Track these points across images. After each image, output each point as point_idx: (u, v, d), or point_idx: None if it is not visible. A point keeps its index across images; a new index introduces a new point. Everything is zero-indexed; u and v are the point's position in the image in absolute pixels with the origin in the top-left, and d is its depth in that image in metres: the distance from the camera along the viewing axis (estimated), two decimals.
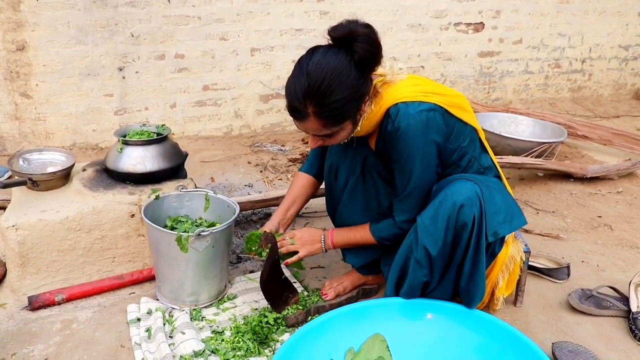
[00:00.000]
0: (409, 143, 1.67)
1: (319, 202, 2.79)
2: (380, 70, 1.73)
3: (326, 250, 1.97)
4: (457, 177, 1.73)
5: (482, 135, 1.90)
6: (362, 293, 2.13)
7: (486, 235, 1.68)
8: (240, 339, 1.84)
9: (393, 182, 1.82)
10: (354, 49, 1.54)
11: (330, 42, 1.59)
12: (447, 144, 1.75)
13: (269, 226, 1.97)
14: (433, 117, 1.67)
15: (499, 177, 1.91)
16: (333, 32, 1.56)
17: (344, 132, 1.67)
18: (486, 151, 1.91)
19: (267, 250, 1.89)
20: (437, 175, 1.77)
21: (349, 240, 1.95)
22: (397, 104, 1.66)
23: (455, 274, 1.75)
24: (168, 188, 2.21)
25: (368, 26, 1.56)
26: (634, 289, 2.08)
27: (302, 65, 1.58)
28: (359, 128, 1.71)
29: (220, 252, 2.01)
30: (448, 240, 1.67)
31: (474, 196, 1.64)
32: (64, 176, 2.26)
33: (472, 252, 1.68)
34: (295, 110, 1.59)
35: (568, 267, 2.31)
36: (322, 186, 2.10)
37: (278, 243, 1.93)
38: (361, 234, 1.91)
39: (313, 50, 1.60)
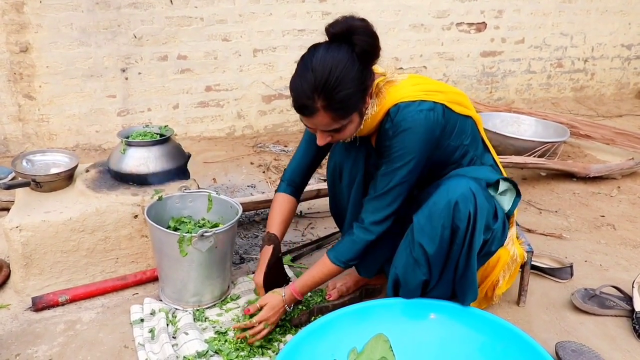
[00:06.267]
0: (405, 140, 1.67)
1: (322, 202, 2.80)
2: (380, 70, 1.74)
3: (291, 306, 1.89)
4: (451, 174, 1.74)
5: (482, 129, 1.90)
6: (365, 293, 2.13)
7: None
8: (243, 340, 1.84)
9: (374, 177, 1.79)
10: (354, 41, 1.57)
11: (328, 38, 1.61)
12: (449, 142, 1.75)
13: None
14: (433, 117, 1.67)
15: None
16: (332, 28, 1.59)
17: (352, 125, 1.67)
18: (488, 151, 1.91)
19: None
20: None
21: (313, 282, 1.86)
22: (398, 103, 1.67)
23: (453, 271, 1.75)
24: (171, 189, 2.21)
25: (364, 20, 1.60)
26: (637, 288, 2.08)
27: (306, 61, 1.59)
28: (362, 126, 1.71)
29: (223, 252, 2.01)
30: (445, 238, 1.67)
31: (469, 193, 1.64)
32: (68, 177, 2.26)
33: (465, 249, 1.68)
34: (304, 106, 1.59)
35: (571, 266, 2.31)
36: (325, 185, 2.10)
37: (253, 333, 1.83)
38: (322, 269, 1.84)
39: (315, 47, 1.61)
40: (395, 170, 1.71)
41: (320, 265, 1.85)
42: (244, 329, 1.84)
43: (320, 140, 1.69)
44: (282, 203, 2.03)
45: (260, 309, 1.84)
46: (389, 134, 1.69)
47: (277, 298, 1.85)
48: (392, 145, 1.69)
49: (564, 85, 5.20)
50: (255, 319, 1.82)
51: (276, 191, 2.07)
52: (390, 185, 1.72)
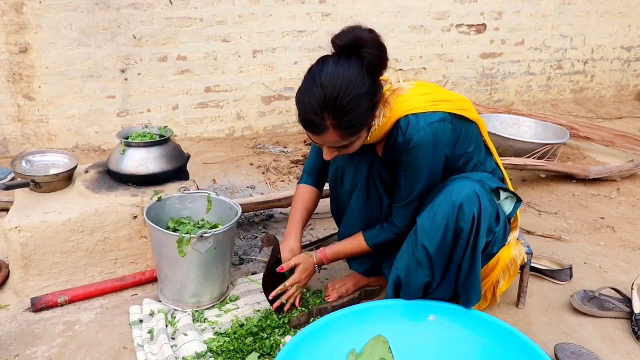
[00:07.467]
0: (419, 155, 1.67)
1: (321, 204, 2.79)
2: (385, 75, 1.72)
3: (319, 269, 1.98)
4: (455, 177, 1.74)
5: (485, 132, 1.90)
6: (364, 294, 2.13)
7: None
8: (242, 341, 1.84)
9: (395, 187, 1.82)
10: (363, 55, 1.52)
11: (333, 50, 1.56)
12: (455, 151, 1.75)
13: (291, 251, 1.95)
14: (443, 128, 1.67)
15: (503, 180, 1.91)
16: (338, 40, 1.54)
17: (360, 140, 1.65)
18: (491, 154, 1.92)
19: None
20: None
21: (343, 252, 1.95)
22: (407, 115, 1.65)
23: (455, 273, 1.75)
24: (170, 190, 2.21)
25: (372, 31, 1.54)
26: (636, 290, 2.08)
27: (314, 76, 1.54)
28: (368, 138, 1.71)
29: (223, 253, 2.01)
30: (448, 240, 1.67)
31: (473, 195, 1.64)
32: (67, 178, 2.26)
33: (470, 251, 1.68)
34: (312, 123, 1.55)
35: (570, 268, 2.31)
36: (327, 187, 2.10)
37: (288, 298, 1.93)
38: (354, 243, 1.92)
39: (323, 61, 1.56)
40: (415, 182, 1.74)
41: (354, 240, 1.92)
42: (273, 304, 1.93)
43: (327, 156, 1.69)
44: (304, 193, 2.06)
45: (293, 268, 1.91)
46: (402, 148, 1.68)
47: (309, 260, 1.92)
48: (407, 160, 1.70)
49: (564, 86, 5.20)
50: (288, 282, 1.90)
51: (298, 182, 2.10)
52: (414, 195, 1.76)
